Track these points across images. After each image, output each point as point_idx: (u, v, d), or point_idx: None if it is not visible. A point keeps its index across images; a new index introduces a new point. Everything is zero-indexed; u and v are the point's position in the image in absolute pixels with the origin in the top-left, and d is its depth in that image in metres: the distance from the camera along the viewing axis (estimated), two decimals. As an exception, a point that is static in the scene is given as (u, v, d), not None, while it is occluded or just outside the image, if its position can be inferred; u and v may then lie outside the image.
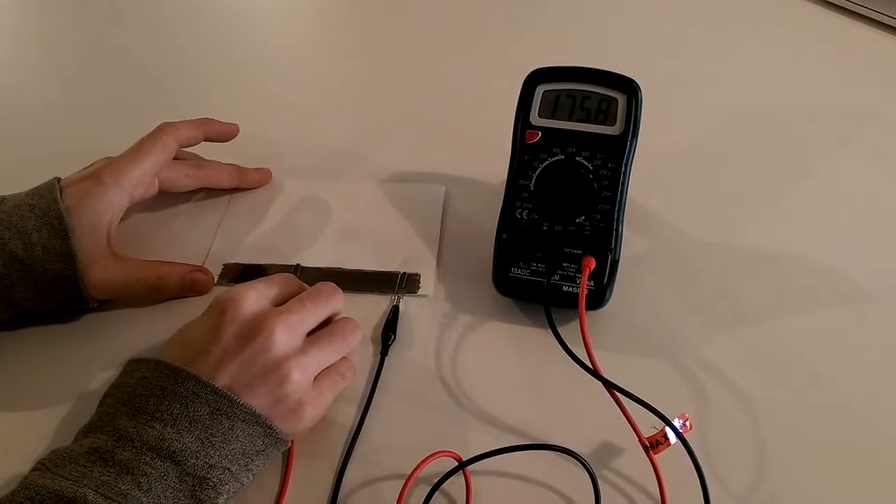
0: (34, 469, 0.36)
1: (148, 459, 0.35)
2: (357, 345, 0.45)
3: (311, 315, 0.42)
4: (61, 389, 0.46)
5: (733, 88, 0.67)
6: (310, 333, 0.42)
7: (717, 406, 0.44)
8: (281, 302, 0.42)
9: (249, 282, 0.42)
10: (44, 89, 0.71)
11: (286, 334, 0.40)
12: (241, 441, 0.37)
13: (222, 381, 0.38)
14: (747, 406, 0.44)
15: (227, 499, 0.37)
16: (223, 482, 0.36)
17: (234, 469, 0.37)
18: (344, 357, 0.44)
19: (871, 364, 0.46)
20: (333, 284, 0.45)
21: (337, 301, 0.44)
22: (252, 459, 0.38)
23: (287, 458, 0.42)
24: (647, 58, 0.71)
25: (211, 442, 0.37)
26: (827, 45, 0.73)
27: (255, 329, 0.39)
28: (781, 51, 0.72)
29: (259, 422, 0.38)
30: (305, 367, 0.40)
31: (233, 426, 0.37)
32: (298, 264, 0.52)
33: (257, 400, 0.38)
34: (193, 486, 0.36)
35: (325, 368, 0.42)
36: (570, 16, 0.77)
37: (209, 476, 0.36)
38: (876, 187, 0.57)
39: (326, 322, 0.44)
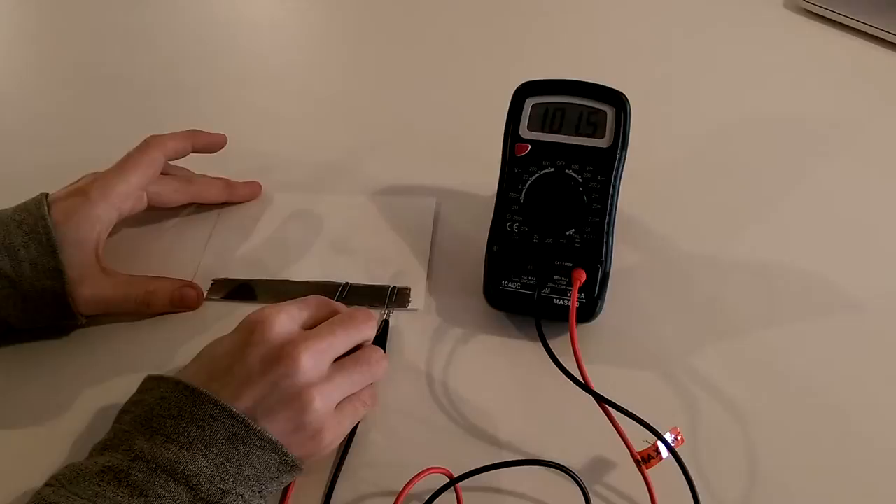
0: (48, 484, 0.36)
1: (162, 482, 0.35)
2: (382, 375, 0.44)
3: (341, 342, 0.41)
4: (49, 405, 0.45)
5: (722, 100, 0.68)
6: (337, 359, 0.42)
7: (708, 418, 0.44)
8: (312, 325, 0.42)
9: (282, 303, 0.42)
10: (31, 102, 0.71)
11: (312, 361, 0.39)
12: (255, 467, 0.37)
13: (244, 403, 0.38)
14: (739, 418, 0.44)
15: None
16: None
17: (246, 495, 0.36)
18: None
19: (862, 374, 0.46)
20: (367, 310, 0.44)
21: (368, 328, 0.43)
22: (265, 486, 0.37)
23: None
24: (636, 70, 0.71)
25: (226, 467, 0.36)
26: (815, 57, 0.73)
27: (281, 353, 0.39)
28: (770, 62, 0.72)
29: (275, 449, 0.37)
30: (329, 395, 0.39)
31: (248, 452, 0.37)
32: (347, 282, 0.52)
33: (277, 425, 0.38)
34: None
35: (348, 396, 0.42)
36: (559, 29, 0.78)
37: (222, 502, 0.35)
38: (865, 197, 0.58)
39: (356, 348, 0.43)
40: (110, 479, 0.35)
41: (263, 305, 0.41)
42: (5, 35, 0.82)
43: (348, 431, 0.42)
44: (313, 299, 0.44)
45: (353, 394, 0.42)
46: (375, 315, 0.44)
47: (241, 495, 0.36)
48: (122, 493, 0.34)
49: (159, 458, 0.35)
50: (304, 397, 0.38)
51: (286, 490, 0.41)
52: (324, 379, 0.39)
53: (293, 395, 0.38)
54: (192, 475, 0.35)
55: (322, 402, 0.39)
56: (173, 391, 0.38)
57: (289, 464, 0.38)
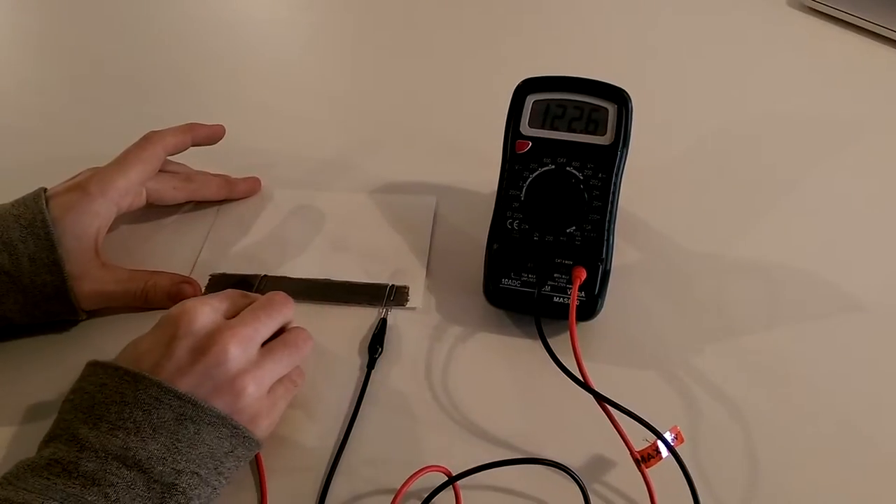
0: None
1: (114, 469, 0.35)
2: (308, 354, 0.44)
3: (265, 326, 0.42)
4: (50, 401, 0.45)
5: (725, 98, 0.67)
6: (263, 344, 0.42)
7: (708, 418, 0.43)
8: (231, 316, 0.42)
9: (201, 296, 0.42)
10: (31, 97, 0.71)
11: (240, 347, 0.39)
12: (207, 444, 0.37)
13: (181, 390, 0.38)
14: (739, 417, 0.43)
15: None
16: (192, 487, 0.36)
17: (203, 473, 0.37)
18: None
19: (863, 374, 0.46)
20: (284, 294, 0.44)
21: (288, 310, 0.44)
22: (221, 462, 0.38)
23: (259, 473, 0.41)
24: (638, 67, 0.71)
25: (177, 447, 0.36)
26: (818, 55, 0.73)
27: (209, 342, 0.39)
28: (773, 60, 0.72)
29: (225, 423, 0.38)
30: (261, 380, 0.40)
31: (199, 430, 0.37)
32: (265, 274, 0.52)
33: None
34: (162, 493, 0.35)
35: (279, 378, 0.42)
36: (561, 26, 0.77)
37: (178, 482, 0.35)
38: (868, 196, 0.57)
39: (279, 331, 0.44)
40: (59, 472, 0.35)
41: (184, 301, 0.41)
42: (5, 30, 0.82)
43: (283, 412, 0.42)
44: (229, 292, 0.44)
45: (284, 376, 0.42)
46: (290, 298, 0.44)
47: (197, 473, 0.36)
48: (74, 484, 0.34)
49: (108, 445, 0.35)
50: (237, 384, 0.39)
51: (262, 489, 0.41)
52: (254, 364, 0.40)
53: (226, 382, 0.38)
54: (143, 459, 0.35)
55: (255, 387, 0.39)
56: (113, 377, 0.38)
57: (241, 436, 0.38)
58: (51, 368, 0.47)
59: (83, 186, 0.47)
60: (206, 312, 0.40)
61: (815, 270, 0.52)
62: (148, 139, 0.51)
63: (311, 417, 0.44)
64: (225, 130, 0.56)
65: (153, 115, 0.57)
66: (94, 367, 0.39)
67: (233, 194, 0.58)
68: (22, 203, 0.46)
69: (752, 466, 0.41)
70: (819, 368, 0.46)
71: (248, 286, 0.51)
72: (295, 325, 0.45)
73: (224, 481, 0.38)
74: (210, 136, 0.56)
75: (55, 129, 0.66)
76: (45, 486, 0.34)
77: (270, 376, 0.41)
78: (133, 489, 0.35)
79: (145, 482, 0.35)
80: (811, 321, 0.49)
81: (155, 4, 0.83)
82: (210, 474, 0.37)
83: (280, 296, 0.44)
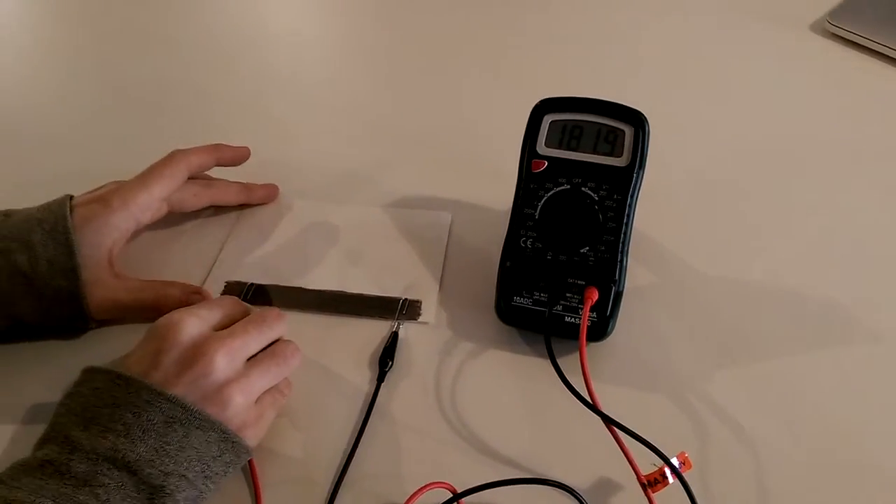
0: None
1: (104, 470, 0.35)
2: (296, 367, 0.44)
3: (255, 341, 0.42)
4: (50, 405, 0.44)
5: (742, 121, 0.67)
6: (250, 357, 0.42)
7: (717, 444, 0.43)
8: (225, 325, 0.42)
9: (191, 306, 0.42)
10: (64, 111, 0.72)
11: (227, 358, 0.40)
12: (195, 447, 0.38)
13: None
14: (748, 445, 0.43)
15: None
16: (180, 489, 0.36)
17: (190, 476, 0.37)
18: None
19: (876, 405, 0.45)
20: (278, 310, 0.45)
21: (281, 326, 0.44)
22: (209, 465, 0.38)
23: (254, 486, 0.42)
24: (657, 89, 0.71)
25: (165, 450, 0.37)
26: (838, 79, 0.72)
27: (196, 354, 0.39)
28: (792, 84, 0.72)
29: (214, 427, 0.38)
30: (248, 391, 0.40)
31: (187, 433, 0.37)
32: (254, 283, 0.52)
33: None
34: (151, 494, 0.36)
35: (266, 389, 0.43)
36: (579, 47, 0.77)
37: (165, 484, 0.36)
38: (887, 224, 0.57)
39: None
40: (51, 473, 0.35)
41: (173, 311, 0.41)
42: (42, 46, 0.84)
43: (270, 422, 0.42)
44: (223, 300, 0.45)
45: (272, 387, 0.43)
46: (284, 315, 0.45)
47: (184, 476, 0.37)
48: (66, 484, 0.35)
49: (98, 447, 0.36)
50: (224, 394, 0.39)
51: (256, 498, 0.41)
52: (241, 375, 0.40)
53: (213, 392, 0.39)
54: (132, 461, 0.36)
55: (242, 397, 0.40)
56: (106, 381, 0.38)
57: (230, 441, 0.39)
58: (57, 375, 0.47)
59: (105, 199, 0.48)
60: (192, 323, 0.41)
61: (830, 297, 0.51)
62: (173, 157, 0.52)
63: (318, 429, 0.44)
64: (250, 153, 0.57)
65: (177, 130, 0.57)
66: (89, 373, 0.40)
67: (251, 199, 0.59)
68: (47, 208, 0.47)
69: (761, 495, 0.41)
70: (832, 397, 0.45)
71: (263, 293, 0.52)
72: (284, 339, 0.45)
73: (212, 486, 0.38)
74: (235, 157, 0.57)
75: (85, 142, 0.67)
76: (38, 486, 0.35)
77: (258, 387, 0.41)
78: (122, 489, 0.35)
79: (134, 483, 0.36)
80: (826, 349, 0.48)
81: (177, 20, 0.84)
82: (197, 478, 0.37)
83: (274, 312, 0.44)
